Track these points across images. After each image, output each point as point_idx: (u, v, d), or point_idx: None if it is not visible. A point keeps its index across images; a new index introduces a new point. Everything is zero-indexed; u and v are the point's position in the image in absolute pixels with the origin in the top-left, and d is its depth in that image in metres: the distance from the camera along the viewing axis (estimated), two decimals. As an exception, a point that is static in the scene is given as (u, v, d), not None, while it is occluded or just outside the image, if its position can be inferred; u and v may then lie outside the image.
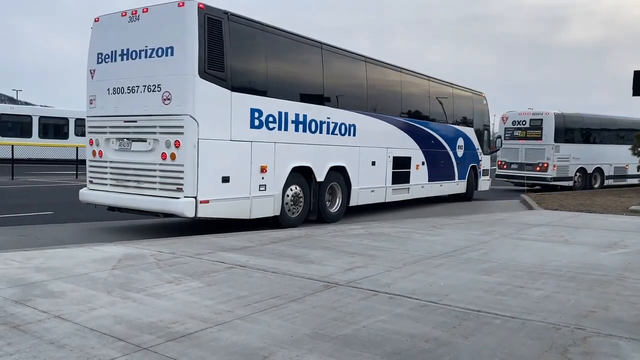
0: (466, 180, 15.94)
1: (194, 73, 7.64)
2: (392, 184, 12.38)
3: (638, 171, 20.63)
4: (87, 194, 8.94)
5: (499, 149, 19.60)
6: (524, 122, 20.34)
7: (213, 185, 7.93)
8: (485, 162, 17.21)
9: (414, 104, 13.53)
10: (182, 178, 7.69)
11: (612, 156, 21.62)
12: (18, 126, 27.40)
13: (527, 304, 4.50)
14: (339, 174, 10.63)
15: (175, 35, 7.74)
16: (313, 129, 9.91)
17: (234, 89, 8.24)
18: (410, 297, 4.64)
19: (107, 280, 4.99)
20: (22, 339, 3.44)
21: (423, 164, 13.63)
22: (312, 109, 9.89)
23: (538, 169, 19.73)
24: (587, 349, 3.49)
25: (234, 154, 8.32)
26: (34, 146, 24.13)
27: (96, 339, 3.46)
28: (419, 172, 13.46)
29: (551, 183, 19.68)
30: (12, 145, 19.94)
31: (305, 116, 9.68)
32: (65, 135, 28.46)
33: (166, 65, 7.79)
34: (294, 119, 9.43)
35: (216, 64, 7.93)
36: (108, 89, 8.48)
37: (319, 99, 10.16)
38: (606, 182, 21.64)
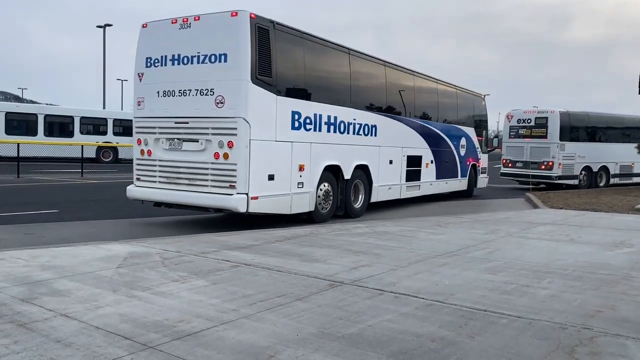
0: (467, 177, 16.58)
1: (247, 79, 8.18)
2: (406, 181, 13.07)
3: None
4: (134, 191, 9.40)
5: (495, 148, 20.28)
6: (529, 121, 20.26)
7: (261, 182, 8.49)
8: (483, 160, 17.92)
9: (424, 106, 14.18)
10: (234, 176, 8.23)
11: (618, 154, 21.51)
12: (24, 124, 27.50)
13: (533, 304, 4.48)
14: (362, 172, 11.24)
15: (228, 42, 8.25)
16: (342, 130, 10.52)
17: (279, 93, 8.82)
18: (415, 296, 4.63)
19: (112, 279, 5.00)
20: (29, 337, 3.45)
21: (432, 162, 14.27)
22: (342, 111, 10.49)
23: (543, 167, 19.66)
24: (594, 349, 3.48)
25: (278, 154, 8.90)
26: (39, 144, 24.22)
27: (102, 338, 3.47)
28: (428, 170, 14.12)
29: (556, 181, 19.60)
30: (18, 144, 20.00)
31: (335, 118, 10.29)
32: (70, 134, 28.55)
33: (219, 70, 8.30)
34: (326, 120, 10.05)
35: (265, 70, 8.50)
36: (158, 92, 8.95)
37: (347, 102, 10.75)
38: (612, 181, 21.53)
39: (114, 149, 29.38)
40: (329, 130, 10.12)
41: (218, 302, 4.32)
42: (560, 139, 19.49)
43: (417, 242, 7.47)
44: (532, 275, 5.57)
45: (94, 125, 29.79)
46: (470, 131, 16.78)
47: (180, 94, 8.68)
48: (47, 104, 34.19)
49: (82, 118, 29.16)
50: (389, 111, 12.29)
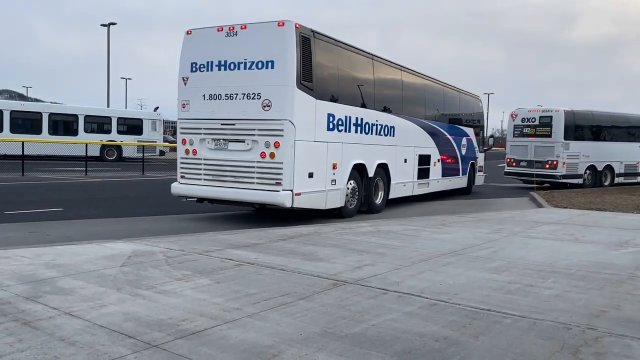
0: (467, 175, 17.40)
1: (293, 84, 8.83)
2: (417, 179, 13.82)
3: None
4: (179, 188, 9.98)
5: (491, 147, 21.29)
6: (533, 119, 20.18)
7: (303, 180, 9.15)
8: (480, 159, 18.73)
9: (432, 107, 14.96)
10: (281, 174, 8.84)
11: (623, 154, 21.40)
12: (28, 123, 27.58)
13: (538, 303, 4.47)
14: (382, 170, 11.90)
15: (275, 50, 8.86)
16: (367, 130, 11.23)
17: (317, 96, 9.43)
18: (419, 296, 4.62)
19: (116, 277, 5.01)
20: (33, 335, 3.46)
21: (439, 161, 15.02)
22: (367, 113, 11.20)
23: (547, 166, 19.58)
24: (599, 349, 3.46)
25: (316, 153, 9.56)
26: (44, 143, 24.29)
27: (106, 336, 3.47)
28: (435, 168, 14.87)
29: (561, 181, 19.53)
30: (23, 142, 20.07)
31: (362, 119, 10.99)
32: (74, 132, 28.62)
33: (266, 76, 8.90)
34: (354, 122, 10.74)
35: (307, 75, 9.13)
36: (203, 95, 9.49)
37: (371, 104, 11.44)
38: (616, 180, 21.43)
39: (118, 148, 29.43)
40: (356, 131, 10.83)
41: (221, 301, 4.32)
42: (565, 138, 19.41)
43: (420, 241, 7.46)
44: (536, 274, 5.55)
45: (98, 124, 29.86)
46: (470, 131, 17.54)
47: (226, 98, 9.26)
48: (51, 103, 34.30)
49: (86, 116, 29.23)
50: (404, 112, 13.00)
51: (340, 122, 10.19)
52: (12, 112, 27.20)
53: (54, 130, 28.15)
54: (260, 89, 8.93)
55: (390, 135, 12.18)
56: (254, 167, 9.05)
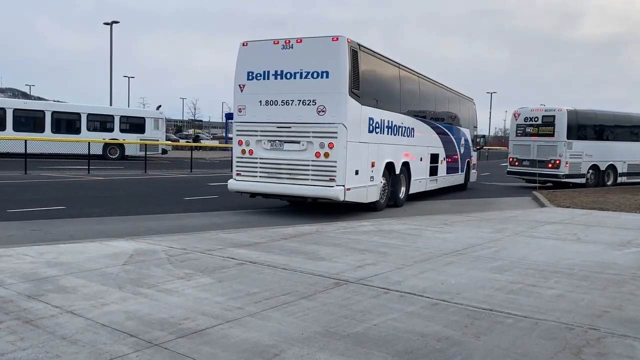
0: (464, 172, 18.68)
1: (346, 92, 9.88)
2: (429, 176, 15.00)
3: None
4: (235, 184, 10.90)
5: (482, 147, 22.91)
6: (536, 119, 20.13)
7: (351, 176, 10.16)
8: (474, 157, 20.16)
9: (440, 110, 16.31)
10: (334, 171, 9.89)
11: (626, 153, 21.33)
12: (31, 121, 27.62)
13: (540, 303, 4.46)
14: (405, 167, 12.97)
15: (330, 62, 9.90)
16: (396, 132, 12.41)
17: (362, 102, 10.46)
18: (421, 296, 4.61)
19: (118, 276, 5.02)
20: (35, 334, 3.47)
21: (444, 159, 16.19)
22: (395, 117, 12.33)
23: (550, 165, 19.53)
24: (601, 349, 3.45)
25: (361, 153, 10.56)
26: (46, 141, 24.32)
27: (108, 335, 3.48)
28: (442, 166, 16.05)
29: (563, 180, 19.48)
30: (25, 140, 20.10)
31: (391, 122, 12.10)
32: (77, 130, 28.65)
33: (321, 85, 9.94)
34: (387, 124, 11.87)
35: (356, 84, 10.16)
36: (260, 101, 10.48)
37: (398, 108, 12.63)
38: (619, 180, 21.36)
39: (121, 146, 29.47)
40: (388, 133, 11.99)
41: (223, 300, 4.32)
42: (568, 138, 19.36)
43: (423, 241, 7.45)
44: (538, 274, 5.54)
45: (100, 122, 29.89)
46: (467, 132, 18.85)
47: (282, 104, 10.28)
48: (54, 101, 34.35)
49: (89, 115, 29.26)
50: (421, 115, 14.35)
51: (377, 125, 11.33)
52: (15, 110, 27.25)
53: (57, 128, 28.19)
54: (315, 96, 9.98)
55: (411, 137, 13.39)
56: (308, 165, 10.10)
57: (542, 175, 19.36)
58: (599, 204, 13.74)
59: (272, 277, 5.16)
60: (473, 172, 19.93)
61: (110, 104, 41.41)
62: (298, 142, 10.20)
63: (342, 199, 9.92)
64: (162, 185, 17.03)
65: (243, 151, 10.75)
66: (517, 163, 20.76)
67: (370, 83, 11.05)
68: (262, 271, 5.38)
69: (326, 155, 9.93)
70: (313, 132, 10.04)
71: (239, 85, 10.73)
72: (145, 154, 24.31)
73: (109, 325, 3.66)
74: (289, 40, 10.24)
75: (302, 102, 10.09)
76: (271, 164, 10.46)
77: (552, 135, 19.60)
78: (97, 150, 26.79)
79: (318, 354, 3.25)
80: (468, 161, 19.03)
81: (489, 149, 63.53)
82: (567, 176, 19.46)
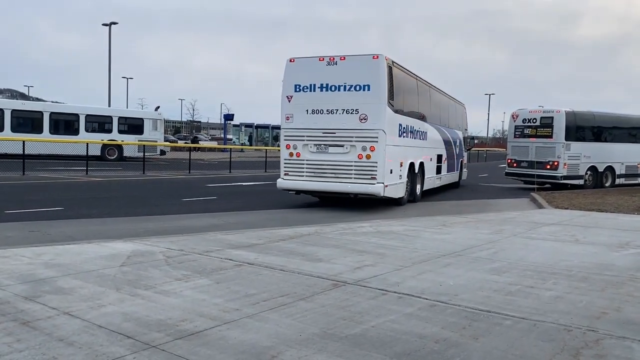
0: (458, 171, 20.27)
1: (385, 103, 11.45)
2: (436, 174, 16.52)
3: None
4: (284, 183, 12.30)
5: (471, 148, 24.87)
6: (534, 120, 20.13)
7: (388, 175, 11.66)
8: (465, 157, 21.98)
9: (443, 114, 17.98)
10: (375, 171, 11.37)
11: (624, 155, 21.32)
12: (29, 122, 27.58)
13: (538, 305, 4.45)
14: (420, 167, 14.38)
15: (371, 77, 11.43)
16: (415, 135, 13.98)
17: (395, 110, 12.07)
18: (419, 297, 4.61)
19: (116, 277, 5.00)
20: (32, 335, 3.46)
21: (445, 159, 17.67)
22: (416, 122, 14.10)
23: (548, 167, 19.53)
24: (600, 351, 3.45)
25: (394, 154, 12.05)
26: (45, 142, 24.27)
27: (105, 336, 3.46)
28: (444, 165, 17.61)
29: (561, 181, 19.47)
30: (24, 141, 20.06)
31: (412, 127, 13.72)
32: (75, 131, 28.62)
33: (363, 96, 11.44)
34: (410, 129, 13.52)
35: (391, 95, 11.71)
36: (306, 110, 11.91)
37: (417, 115, 14.37)
38: (617, 181, 21.35)
39: (119, 147, 29.43)
40: (411, 137, 13.60)
41: (221, 302, 4.31)
42: (566, 139, 19.35)
43: (421, 242, 7.44)
44: (537, 276, 5.54)
45: (99, 123, 29.86)
46: (460, 134, 20.54)
47: (327, 112, 11.72)
48: (52, 102, 34.31)
49: (87, 116, 29.23)
50: (430, 121, 15.83)
51: (404, 130, 12.92)
52: (13, 111, 27.20)
53: (55, 129, 28.15)
54: (357, 106, 11.45)
55: (425, 139, 14.97)
56: (352, 165, 11.53)
57: (541, 177, 19.36)
58: (597, 205, 13.75)
59: (270, 278, 5.15)
60: (465, 171, 21.56)
61: (109, 105, 41.35)
62: (342, 146, 11.63)
63: (382, 194, 11.44)
64: (161, 186, 17.01)
65: (290, 154, 12.11)
66: (515, 164, 20.76)
67: (399, 93, 12.48)
68: (260, 272, 5.37)
69: (368, 157, 11.40)
70: (356, 136, 11.47)
71: (287, 97, 12.11)
72: (144, 155, 24.29)
73: (106, 326, 3.65)
74: (334, 58, 11.73)
75: (346, 111, 11.54)
76: (317, 165, 11.87)
77: (551, 136, 19.60)
78: (95, 151, 26.73)
79: (316, 356, 3.24)
80: (461, 161, 20.71)
81: (487, 150, 63.61)
82: (565, 177, 19.46)
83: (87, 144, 22.69)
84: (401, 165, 12.62)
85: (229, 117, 54.10)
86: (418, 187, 14.28)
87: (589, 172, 20.20)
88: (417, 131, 14.25)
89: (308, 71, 11.98)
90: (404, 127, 12.85)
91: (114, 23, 43.10)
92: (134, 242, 6.81)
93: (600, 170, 20.56)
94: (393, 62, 12.05)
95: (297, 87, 12.01)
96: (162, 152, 32.14)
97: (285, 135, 12.23)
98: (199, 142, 54.33)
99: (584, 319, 4.11)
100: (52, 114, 28.35)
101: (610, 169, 21.00)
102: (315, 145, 11.88)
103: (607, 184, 20.98)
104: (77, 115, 28.95)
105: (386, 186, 11.51)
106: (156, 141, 30.63)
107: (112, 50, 42.93)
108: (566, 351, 3.43)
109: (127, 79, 76.32)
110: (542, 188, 19.09)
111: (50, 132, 27.59)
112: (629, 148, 21.37)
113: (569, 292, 4.92)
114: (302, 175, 12.02)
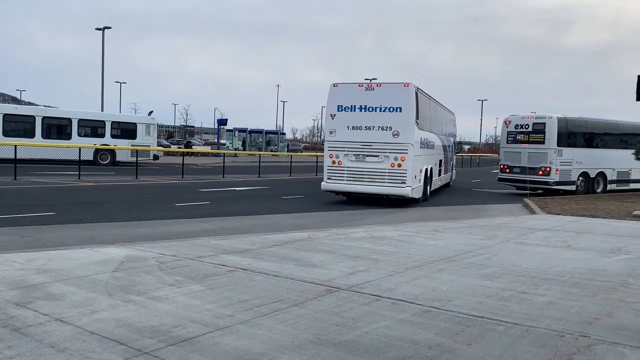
0: (451, 173, 23.19)
1: (414, 122, 14.23)
2: (438, 176, 18.98)
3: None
4: (328, 185, 14.88)
5: (460, 152, 28.17)
6: (526, 126, 20.25)
7: (413, 179, 14.26)
8: (454, 160, 24.96)
9: (442, 124, 20.52)
10: (405, 177, 14.04)
11: (615, 161, 21.48)
12: (21, 126, 27.39)
13: (531, 310, 4.47)
14: (430, 171, 16.70)
15: (402, 100, 14.12)
16: (428, 146, 16.68)
17: (419, 127, 14.70)
18: (412, 303, 4.61)
19: (108, 283, 4.98)
20: (23, 342, 3.43)
21: (443, 163, 20.19)
22: (429, 135, 16.69)
23: (540, 173, 19.64)
24: (592, 357, 3.46)
25: (417, 163, 14.64)
26: (37, 146, 24.13)
27: (97, 343, 3.44)
28: (443, 169, 20.17)
29: (554, 187, 19.58)
30: (15, 146, 19.93)
31: (427, 139, 16.40)
32: (68, 136, 28.46)
33: (396, 116, 14.07)
34: (426, 141, 16.20)
35: (417, 115, 14.44)
36: (347, 126, 14.51)
37: (428, 127, 16.80)
38: (609, 187, 21.50)
39: (112, 152, 29.29)
40: (427, 147, 16.27)
41: (214, 308, 4.30)
42: (558, 145, 19.47)
43: (415, 248, 7.46)
44: (529, 281, 5.56)
45: (91, 128, 29.69)
46: (452, 140, 23.50)
47: (365, 128, 14.32)
48: (45, 106, 34.10)
49: (79, 120, 29.07)
50: (435, 131, 18.29)
51: (423, 142, 15.58)
52: (5, 115, 27.01)
53: (47, 133, 27.97)
54: (391, 124, 14.08)
55: (433, 148, 17.53)
56: (385, 172, 14.13)
57: (533, 182, 19.45)
58: (589, 211, 13.84)
59: (263, 284, 5.14)
60: (454, 172, 25.00)
61: (102, 110, 41.20)
62: (377, 156, 14.22)
63: (410, 195, 14.11)
64: (153, 191, 16.94)
65: (333, 162, 14.70)
66: (508, 170, 20.86)
67: (420, 112, 14.96)
68: (253, 278, 5.36)
69: (399, 165, 14.02)
70: (389, 149, 14.06)
71: (331, 115, 14.71)
72: (137, 159, 24.19)
73: (98, 333, 3.63)
74: (371, 84, 14.55)
75: (381, 128, 14.12)
76: (355, 171, 14.44)
77: (543, 142, 19.72)
78: (88, 156, 26.59)
79: (309, 362, 3.23)
80: (452, 164, 23.92)
81: (479, 156, 63.85)
82: (557, 183, 19.57)
83: (80, 148, 22.57)
84: (420, 172, 15.13)
85: (222, 121, 54.07)
86: (428, 188, 16.58)
87: (580, 178, 20.33)
88: (430, 142, 16.84)
89: (349, 94, 14.54)
90: (423, 140, 15.39)
91: (108, 28, 43.04)
92: (127, 248, 6.78)
93: (592, 176, 20.70)
94: (418, 88, 14.63)
95: (340, 107, 14.54)
96: (155, 157, 32.03)
97: (329, 147, 14.78)
98: (192, 147, 54.18)
99: (576, 324, 4.13)
100: (44, 118, 28.19)
101: (601, 174, 21.14)
102: (355, 155, 14.44)
103: (598, 190, 21.11)
104: (69, 120, 28.79)
105: (413, 189, 14.09)
106: (149, 146, 30.52)
107: (105, 55, 42.85)
108: (559, 357, 3.44)
109: (121, 83, 76.09)
110: (535, 194, 19.19)
111: (43, 137, 27.41)
112: (620, 154, 21.52)
113: (561, 297, 4.94)
114: (343, 180, 14.61)
